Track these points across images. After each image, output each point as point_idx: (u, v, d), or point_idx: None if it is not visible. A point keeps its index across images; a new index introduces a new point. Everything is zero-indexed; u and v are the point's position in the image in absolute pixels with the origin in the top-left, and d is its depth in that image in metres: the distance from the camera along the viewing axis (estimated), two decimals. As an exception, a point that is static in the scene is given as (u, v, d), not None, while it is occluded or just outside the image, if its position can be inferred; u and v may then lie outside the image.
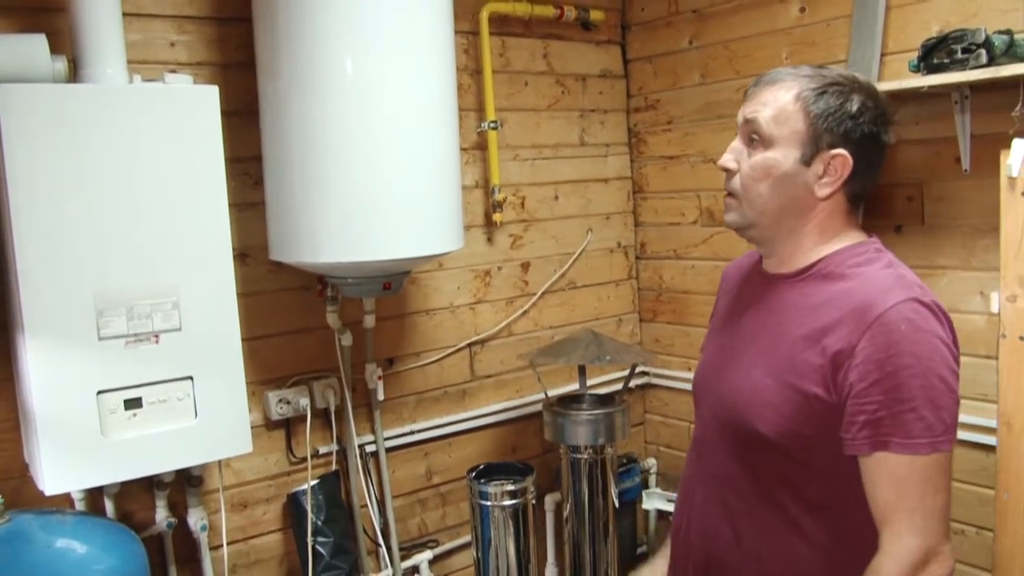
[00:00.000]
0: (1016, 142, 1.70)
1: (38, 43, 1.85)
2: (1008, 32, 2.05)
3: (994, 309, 1.68)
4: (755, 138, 1.36)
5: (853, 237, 1.39)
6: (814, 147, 1.33)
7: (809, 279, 1.38)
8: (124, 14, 2.00)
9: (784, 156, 1.34)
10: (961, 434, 2.33)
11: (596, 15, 3.12)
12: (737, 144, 1.39)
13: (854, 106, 1.33)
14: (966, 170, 2.29)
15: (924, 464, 1.21)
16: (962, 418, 2.32)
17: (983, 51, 2.01)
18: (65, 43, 1.99)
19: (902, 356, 1.22)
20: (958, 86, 2.17)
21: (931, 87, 2.14)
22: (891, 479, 1.23)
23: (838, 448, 1.27)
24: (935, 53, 2.11)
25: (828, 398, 1.28)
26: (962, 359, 2.29)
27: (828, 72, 1.37)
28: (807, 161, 1.34)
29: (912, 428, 1.21)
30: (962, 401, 2.27)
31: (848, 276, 1.33)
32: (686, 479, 1.56)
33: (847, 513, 1.31)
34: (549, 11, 2.98)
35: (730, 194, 1.40)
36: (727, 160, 1.39)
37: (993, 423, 2.04)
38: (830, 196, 1.35)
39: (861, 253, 1.36)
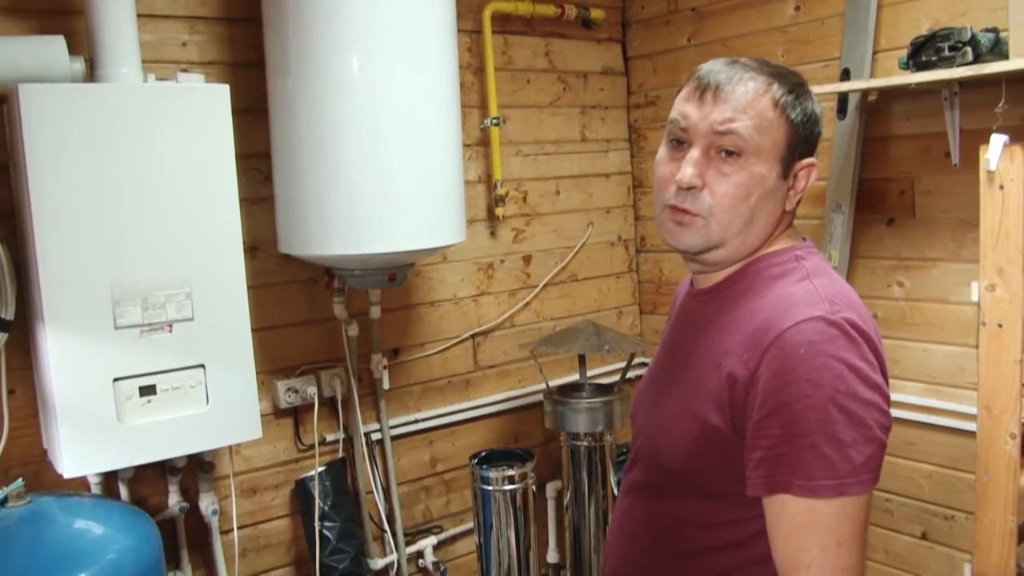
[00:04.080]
0: (994, 137, 1.75)
1: (57, 45, 1.91)
2: (994, 30, 2.10)
3: (974, 298, 1.74)
4: (732, 151, 1.16)
5: (780, 243, 1.25)
6: (791, 158, 1.19)
7: (725, 293, 1.24)
8: (138, 15, 2.06)
9: (769, 171, 1.17)
10: (954, 422, 2.41)
11: (597, 13, 3.17)
12: (697, 155, 1.18)
13: (817, 108, 1.21)
14: (956, 164, 2.33)
15: (827, 511, 1.05)
16: (955, 406, 2.42)
17: (969, 49, 2.06)
18: (82, 44, 2.06)
19: (798, 384, 1.06)
20: (947, 83, 2.21)
21: (922, 84, 2.18)
22: (788, 527, 1.08)
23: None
24: (923, 51, 2.16)
25: (724, 426, 1.15)
26: (954, 349, 2.41)
27: (780, 67, 1.22)
28: (786, 174, 1.20)
29: (811, 467, 1.05)
30: (955, 390, 2.38)
31: (759, 291, 1.19)
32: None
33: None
34: (550, 10, 3.03)
35: (692, 213, 1.19)
36: (694, 177, 1.17)
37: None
38: (795, 208, 1.24)
39: (780, 263, 1.21)
